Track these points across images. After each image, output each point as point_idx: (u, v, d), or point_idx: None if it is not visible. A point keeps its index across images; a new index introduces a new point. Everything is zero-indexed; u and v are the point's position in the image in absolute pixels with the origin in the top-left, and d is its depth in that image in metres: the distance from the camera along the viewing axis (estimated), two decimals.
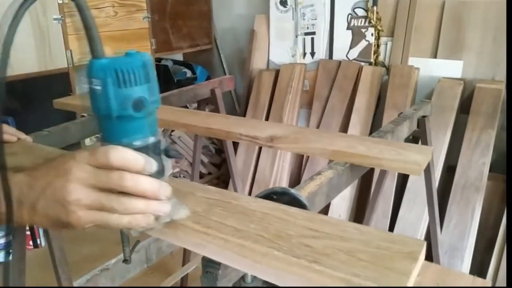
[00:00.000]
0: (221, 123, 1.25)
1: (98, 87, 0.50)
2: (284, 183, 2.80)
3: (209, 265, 0.73)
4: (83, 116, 1.72)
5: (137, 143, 0.53)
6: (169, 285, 2.29)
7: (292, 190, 0.78)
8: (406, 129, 1.41)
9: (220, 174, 3.38)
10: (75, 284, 2.25)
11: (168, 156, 0.56)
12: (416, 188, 2.28)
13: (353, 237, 0.65)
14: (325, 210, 2.64)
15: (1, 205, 0.52)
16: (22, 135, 1.15)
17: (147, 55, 0.53)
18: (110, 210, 0.50)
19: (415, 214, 2.26)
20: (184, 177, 3.22)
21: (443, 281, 0.62)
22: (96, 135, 2.68)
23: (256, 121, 1.26)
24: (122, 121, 0.51)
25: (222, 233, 0.66)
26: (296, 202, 0.77)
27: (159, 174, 0.55)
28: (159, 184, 0.53)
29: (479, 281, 0.63)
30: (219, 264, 0.72)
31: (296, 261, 0.59)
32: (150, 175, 0.52)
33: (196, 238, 0.66)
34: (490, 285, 0.64)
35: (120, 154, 0.50)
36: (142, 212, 0.52)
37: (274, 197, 0.78)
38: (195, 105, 2.52)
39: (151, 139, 0.54)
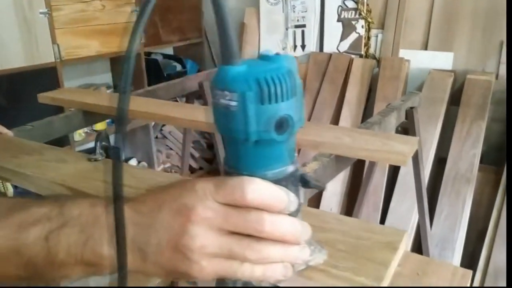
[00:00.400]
0: (206, 115, 1.24)
1: (233, 103, 0.38)
2: None
3: None
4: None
5: (275, 173, 0.42)
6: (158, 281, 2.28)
7: None
8: (393, 120, 1.40)
9: (211, 169, 3.37)
10: (63, 283, 2.24)
11: (308, 186, 0.45)
12: (407, 181, 2.27)
13: (333, 228, 0.64)
14: (316, 204, 2.64)
15: (104, 247, 0.41)
16: (3, 130, 1.14)
17: (291, 59, 0.41)
18: (241, 259, 0.39)
19: (406, 207, 2.26)
20: (175, 172, 3.21)
21: (423, 271, 0.61)
22: (85, 130, 2.66)
23: None
24: (260, 146, 0.40)
25: None
26: None
27: (296, 210, 0.43)
28: (302, 226, 0.41)
29: (460, 270, 0.62)
30: None
31: None
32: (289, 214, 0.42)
33: None
34: (471, 274, 0.63)
35: (260, 190, 0.39)
36: (279, 261, 0.41)
37: None
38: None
39: (290, 168, 0.43)
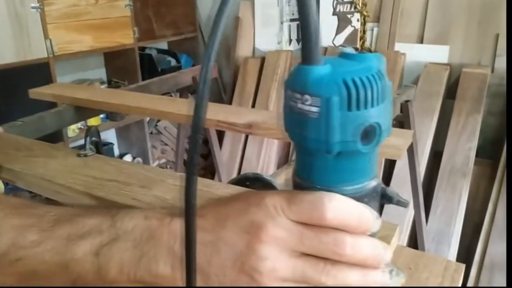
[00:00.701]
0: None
1: (315, 109, 0.33)
2: (271, 172, 2.78)
3: None
4: None
5: (356, 188, 0.37)
6: None
7: (265, 176, 0.75)
8: None
9: (207, 165, 3.36)
10: None
11: (390, 203, 0.40)
12: (403, 174, 2.27)
13: None
14: None
15: (160, 266, 0.37)
16: None
17: (380, 57, 0.37)
18: (316, 284, 0.35)
19: None
20: (170, 167, 3.20)
21: (416, 265, 0.60)
22: (79, 126, 2.64)
23: (234, 107, 1.24)
24: (342, 157, 0.35)
25: None
26: (269, 188, 0.75)
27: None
28: (384, 248, 0.37)
29: (453, 265, 0.61)
30: None
31: None
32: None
33: None
34: (464, 268, 0.62)
35: (342, 208, 0.34)
36: (358, 286, 0.37)
37: (247, 183, 0.75)
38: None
39: (373, 182, 0.38)
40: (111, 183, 0.75)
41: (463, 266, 0.62)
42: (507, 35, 2.21)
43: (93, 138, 0.93)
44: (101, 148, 0.96)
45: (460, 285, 0.60)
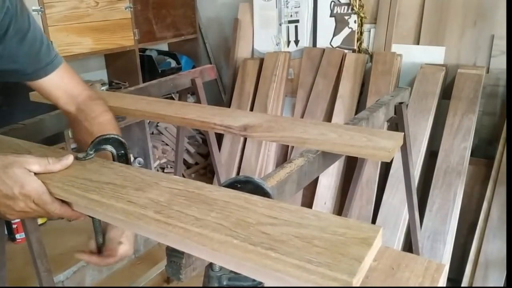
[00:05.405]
0: (196, 113, 1.25)
1: None
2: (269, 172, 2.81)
3: (173, 254, 0.74)
4: None
5: None
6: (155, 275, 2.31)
7: (256, 179, 0.78)
8: (382, 115, 1.42)
9: (207, 164, 3.39)
10: (61, 276, 2.25)
11: None
12: (399, 174, 2.29)
13: (310, 224, 0.65)
14: (310, 198, 2.66)
15: None
16: None
17: None
18: None
19: (399, 199, 2.28)
20: (171, 167, 3.22)
21: (398, 265, 0.63)
22: None
23: (231, 110, 1.27)
24: None
25: (182, 223, 0.67)
26: (260, 191, 0.77)
27: None
28: None
29: (434, 265, 0.64)
30: (182, 253, 0.73)
31: (253, 249, 0.60)
32: None
33: (157, 228, 0.67)
34: (446, 268, 0.65)
35: None
36: None
37: (238, 186, 0.78)
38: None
39: None
40: (108, 186, 0.77)
41: (443, 266, 0.65)
42: (507, 35, 2.22)
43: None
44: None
45: (440, 284, 0.63)
